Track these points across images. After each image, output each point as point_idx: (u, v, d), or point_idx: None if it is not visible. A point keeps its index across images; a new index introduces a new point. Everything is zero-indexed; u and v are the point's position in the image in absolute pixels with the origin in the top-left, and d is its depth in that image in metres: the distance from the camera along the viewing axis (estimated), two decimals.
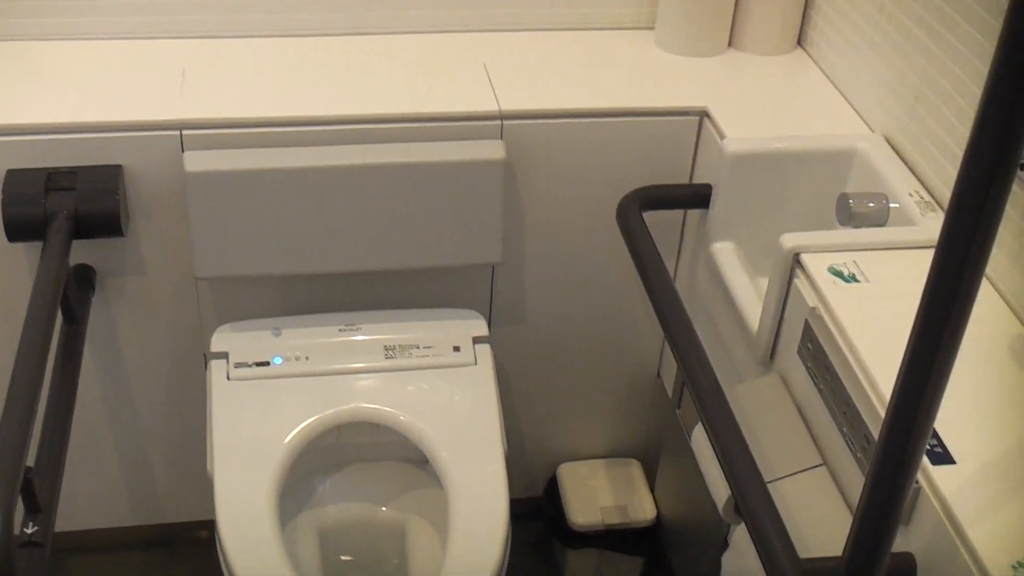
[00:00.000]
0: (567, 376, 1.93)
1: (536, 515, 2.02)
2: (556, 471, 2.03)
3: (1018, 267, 1.32)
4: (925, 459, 1.13)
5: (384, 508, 1.67)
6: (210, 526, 1.95)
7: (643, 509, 1.95)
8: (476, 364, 1.66)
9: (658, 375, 1.97)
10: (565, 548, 1.96)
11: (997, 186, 0.77)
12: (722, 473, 1.36)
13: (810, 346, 1.32)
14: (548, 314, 1.84)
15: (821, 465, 1.31)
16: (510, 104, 1.63)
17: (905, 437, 0.90)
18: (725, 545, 1.66)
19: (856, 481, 1.23)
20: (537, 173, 1.69)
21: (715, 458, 1.39)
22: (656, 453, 2.04)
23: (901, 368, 0.88)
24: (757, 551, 1.18)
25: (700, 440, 1.44)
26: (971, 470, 1.12)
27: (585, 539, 1.94)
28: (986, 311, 1.33)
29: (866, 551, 0.96)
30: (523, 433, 1.97)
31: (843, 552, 0.99)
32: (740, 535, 1.32)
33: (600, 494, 1.97)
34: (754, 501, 1.21)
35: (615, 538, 1.95)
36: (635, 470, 2.03)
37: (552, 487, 2.01)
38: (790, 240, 1.39)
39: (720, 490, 1.38)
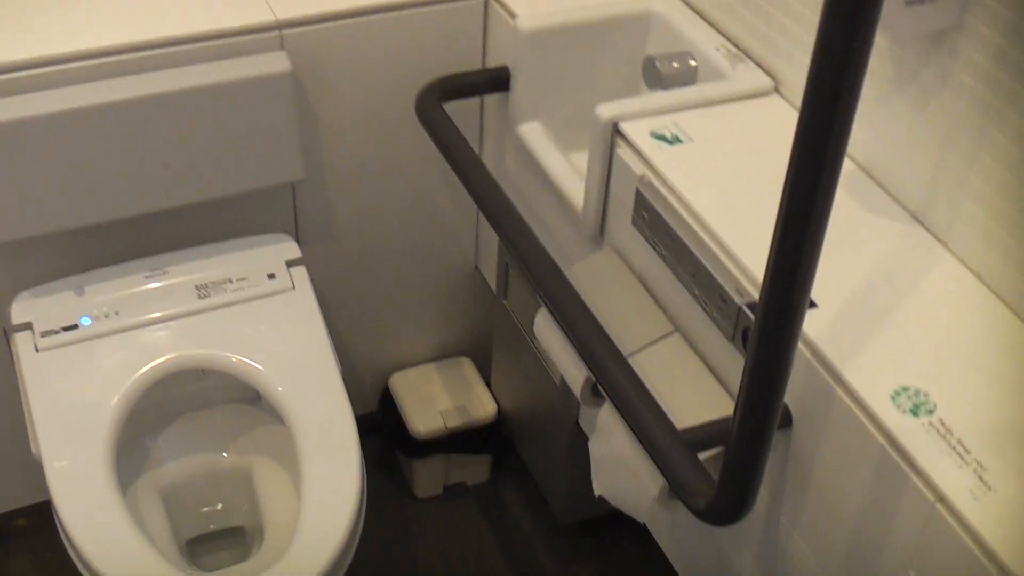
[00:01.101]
0: (386, 284, 1.87)
1: (374, 430, 1.97)
2: (388, 382, 1.97)
3: None
4: None
5: (224, 455, 1.59)
6: (27, 513, 1.82)
7: (483, 406, 1.92)
8: (294, 288, 1.57)
9: (476, 268, 1.93)
10: (411, 459, 1.92)
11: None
12: (575, 356, 1.34)
13: (645, 215, 1.30)
14: (357, 223, 1.77)
15: (673, 332, 1.30)
16: (287, 12, 1.53)
17: (787, 293, 0.88)
18: (576, 428, 1.65)
19: (715, 342, 1.23)
20: (327, 81, 1.60)
21: (564, 342, 1.36)
22: (486, 348, 2.01)
23: (777, 224, 0.86)
24: (630, 428, 1.16)
25: (544, 326, 1.41)
26: (833, 312, 1.12)
27: (430, 446, 1.90)
28: None
29: (758, 412, 0.95)
30: (349, 349, 1.91)
31: (734, 415, 0.98)
32: (604, 417, 1.30)
33: (437, 398, 1.93)
34: (616, 378, 1.19)
35: (459, 440, 1.92)
36: (467, 368, 2.00)
37: (387, 399, 1.96)
38: (607, 110, 1.36)
39: (575, 374, 1.35)
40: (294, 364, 1.50)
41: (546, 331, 1.41)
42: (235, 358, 1.50)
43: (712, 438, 1.15)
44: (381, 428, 1.98)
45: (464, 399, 1.93)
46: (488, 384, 1.98)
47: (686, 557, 1.42)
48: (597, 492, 1.32)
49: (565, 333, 1.32)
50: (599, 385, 1.28)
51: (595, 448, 1.32)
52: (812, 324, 1.10)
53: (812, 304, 1.13)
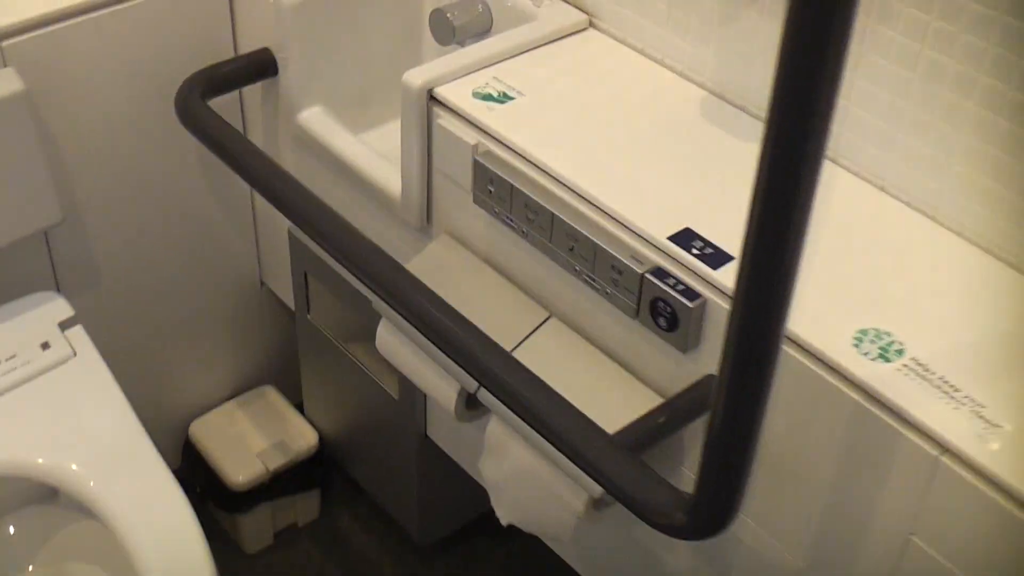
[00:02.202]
0: (166, 322, 1.61)
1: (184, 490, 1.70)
2: (188, 432, 1.71)
3: None
4: (702, 266, 0.97)
5: (31, 568, 1.30)
6: None
7: (302, 437, 1.69)
8: (75, 355, 1.30)
9: (262, 284, 1.69)
10: (233, 515, 1.67)
11: None
12: (437, 368, 1.14)
13: (491, 189, 1.11)
14: (124, 259, 1.50)
15: (549, 318, 1.12)
16: (1, 18, 1.24)
17: (771, 257, 0.71)
18: (425, 442, 1.45)
19: (609, 321, 1.06)
20: (68, 96, 1.32)
21: (418, 353, 1.16)
22: (290, 371, 1.77)
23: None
24: (548, 439, 0.97)
25: (389, 339, 1.21)
26: None
27: (253, 497, 1.65)
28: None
29: (746, 401, 0.78)
30: (137, 405, 1.63)
31: (713, 407, 0.81)
32: (495, 433, 1.11)
33: (248, 439, 1.68)
34: (511, 381, 1.01)
35: (284, 481, 1.68)
36: (273, 397, 1.76)
37: (190, 452, 1.70)
38: (416, 77, 1.16)
39: (442, 388, 1.15)
40: (99, 448, 1.23)
41: (392, 344, 1.20)
42: (24, 456, 1.22)
43: (647, 437, 0.98)
44: (191, 487, 1.71)
45: (279, 433, 1.69)
46: (301, 410, 1.74)
47: (604, 572, 1.25)
48: (505, 521, 1.13)
49: (423, 341, 1.12)
50: (483, 394, 1.09)
51: (489, 471, 1.13)
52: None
53: (728, 256, 0.97)
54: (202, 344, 1.68)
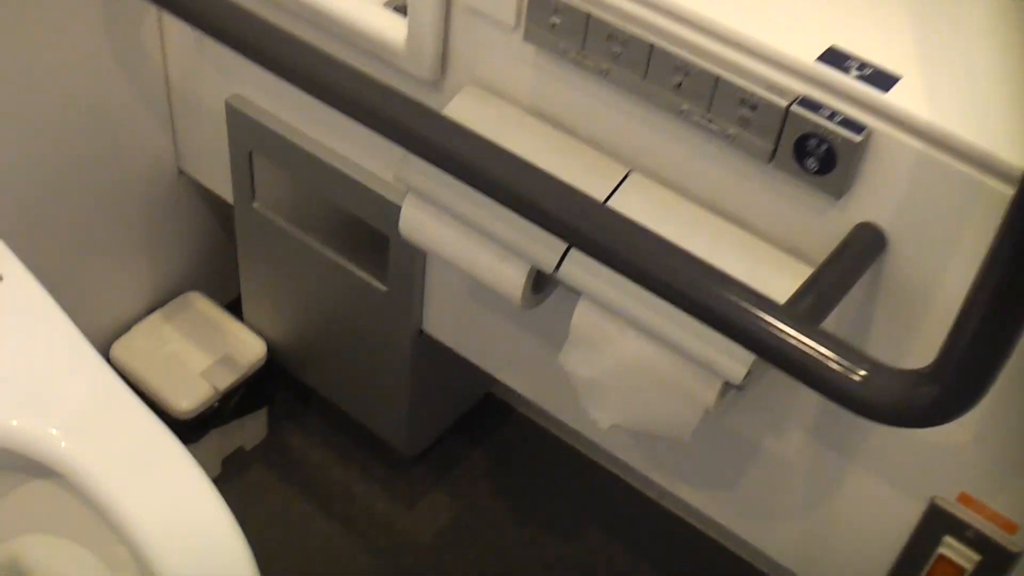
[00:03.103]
0: (65, 227, 1.33)
1: None
2: (110, 357, 1.44)
3: None
4: (867, 90, 0.78)
5: None
6: None
7: (249, 347, 1.45)
8: (1, 278, 1.03)
9: (180, 172, 1.42)
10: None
11: None
12: (496, 244, 0.93)
13: (556, 21, 0.89)
14: (7, 154, 1.21)
15: (630, 173, 0.92)
16: None
17: None
18: (421, 338, 1.24)
19: (718, 170, 0.87)
20: None
21: (470, 229, 0.95)
22: (218, 271, 1.52)
23: None
24: (689, 310, 0.78)
25: (421, 219, 0.98)
26: (922, 82, 0.79)
27: (203, 424, 1.41)
28: None
29: None
30: None
31: (990, 261, 0.63)
32: (585, 318, 0.91)
33: (187, 357, 1.43)
34: (633, 242, 0.79)
35: (235, 402, 1.44)
36: (202, 303, 1.50)
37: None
38: None
39: (504, 269, 0.94)
40: (53, 385, 0.98)
41: (425, 223, 0.98)
42: None
43: (819, 308, 0.80)
44: None
45: (221, 346, 1.44)
46: (238, 316, 1.49)
47: (697, 474, 1.08)
48: (606, 424, 0.94)
49: (474, 212, 0.91)
50: (570, 271, 0.88)
51: (581, 367, 0.93)
52: (900, 98, 0.77)
53: (892, 79, 0.79)
54: (112, 250, 1.41)
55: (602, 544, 1.49)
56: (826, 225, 0.84)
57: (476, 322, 1.17)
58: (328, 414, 1.57)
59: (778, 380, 0.94)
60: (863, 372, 0.71)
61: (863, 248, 0.82)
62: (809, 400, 0.93)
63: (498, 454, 1.56)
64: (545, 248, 0.91)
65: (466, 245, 0.96)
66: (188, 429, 1.40)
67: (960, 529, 0.89)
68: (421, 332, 1.25)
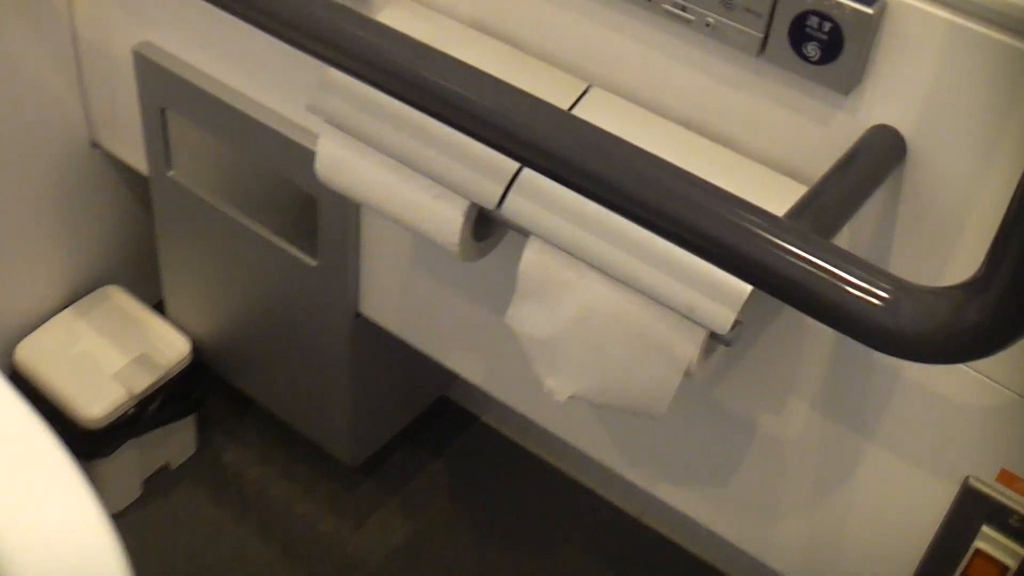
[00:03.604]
0: None
1: None
2: (13, 360, 1.27)
3: None
4: None
5: None
6: None
7: (170, 346, 1.28)
8: None
9: (93, 145, 1.25)
10: (92, 463, 1.24)
11: None
12: (428, 180, 0.77)
13: None
14: None
15: (589, 88, 0.76)
16: None
17: None
18: (360, 323, 1.07)
19: (695, 74, 0.70)
20: None
21: (398, 164, 0.78)
22: (142, 261, 1.35)
23: None
24: (672, 237, 0.61)
25: (342, 156, 0.82)
26: None
27: (116, 433, 1.23)
28: None
29: None
30: None
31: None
32: (536, 262, 0.74)
33: (99, 357, 1.26)
34: (599, 155, 0.63)
35: (154, 408, 1.26)
36: (122, 298, 1.33)
37: (20, 385, 1.25)
38: None
39: (439, 208, 0.78)
40: None
41: (347, 161, 0.81)
42: None
43: (828, 223, 0.63)
44: None
45: (139, 345, 1.27)
46: (161, 312, 1.32)
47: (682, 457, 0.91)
48: (564, 394, 0.76)
49: (403, 143, 0.74)
50: (516, 203, 0.72)
51: (532, 325, 0.76)
52: None
53: None
54: (18, 237, 1.23)
55: (575, 563, 1.31)
56: (831, 133, 0.68)
57: (417, 297, 1.01)
58: (266, 424, 1.39)
59: (774, 335, 0.77)
60: (886, 294, 0.55)
61: (878, 155, 0.66)
62: (813, 363, 0.77)
63: (458, 466, 1.39)
64: (485, 178, 0.74)
65: (393, 183, 0.79)
66: (100, 440, 1.22)
67: (1001, 515, 0.72)
68: (358, 315, 1.08)
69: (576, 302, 0.73)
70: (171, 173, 1.15)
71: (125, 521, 1.32)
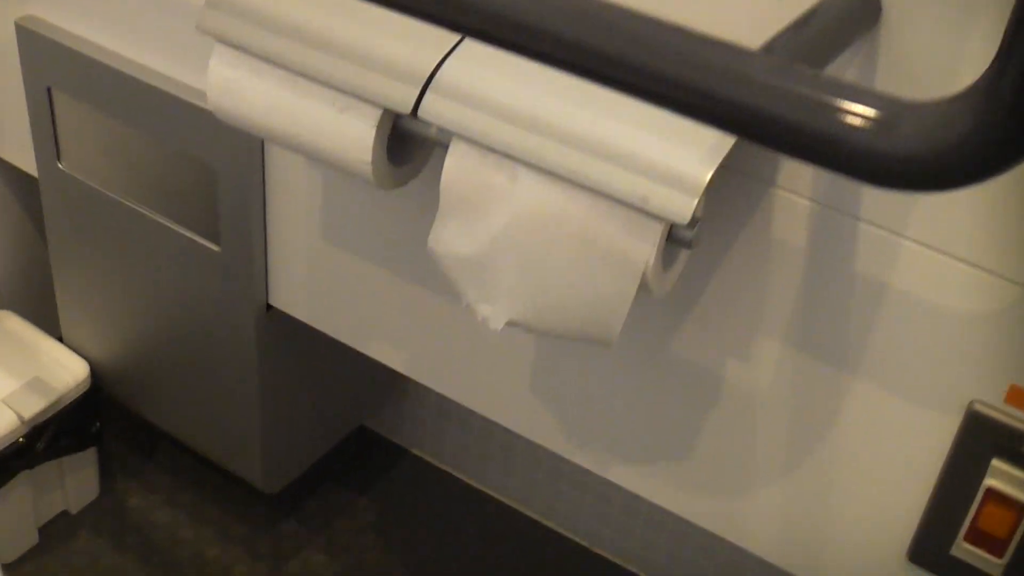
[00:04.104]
0: None
1: None
2: None
3: None
4: None
5: None
6: None
7: (66, 369, 1.15)
8: None
9: None
10: None
11: None
12: (334, 91, 0.67)
13: None
14: None
15: None
16: None
17: None
18: (268, 323, 0.96)
19: None
20: None
21: (299, 77, 0.68)
22: (36, 283, 1.22)
23: None
24: (648, 91, 0.51)
25: (233, 78, 0.71)
26: None
27: (8, 464, 1.10)
28: None
29: None
30: None
31: None
32: (462, 166, 0.64)
33: None
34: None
35: (47, 437, 1.13)
36: (14, 323, 1.20)
37: None
38: None
39: (346, 123, 0.67)
40: None
41: (248, 80, 0.71)
42: None
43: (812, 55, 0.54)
44: None
45: (31, 368, 1.14)
46: (61, 338, 1.20)
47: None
48: (501, 320, 0.65)
49: (308, 44, 0.64)
50: (436, 104, 0.62)
51: (460, 242, 0.65)
52: None
53: None
54: None
55: None
56: None
57: (331, 279, 0.89)
58: (174, 464, 1.26)
59: (734, 264, 0.67)
60: (879, 112, 0.45)
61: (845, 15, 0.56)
62: (781, 293, 0.67)
63: (387, 502, 1.26)
64: (398, 81, 0.64)
65: (294, 101, 0.68)
66: None
67: (1013, 443, 0.62)
68: (269, 308, 0.97)
69: (509, 210, 0.62)
70: (61, 164, 1.03)
71: (20, 571, 1.17)
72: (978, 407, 0.62)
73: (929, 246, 0.61)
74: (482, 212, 0.63)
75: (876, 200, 0.62)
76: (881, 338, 0.64)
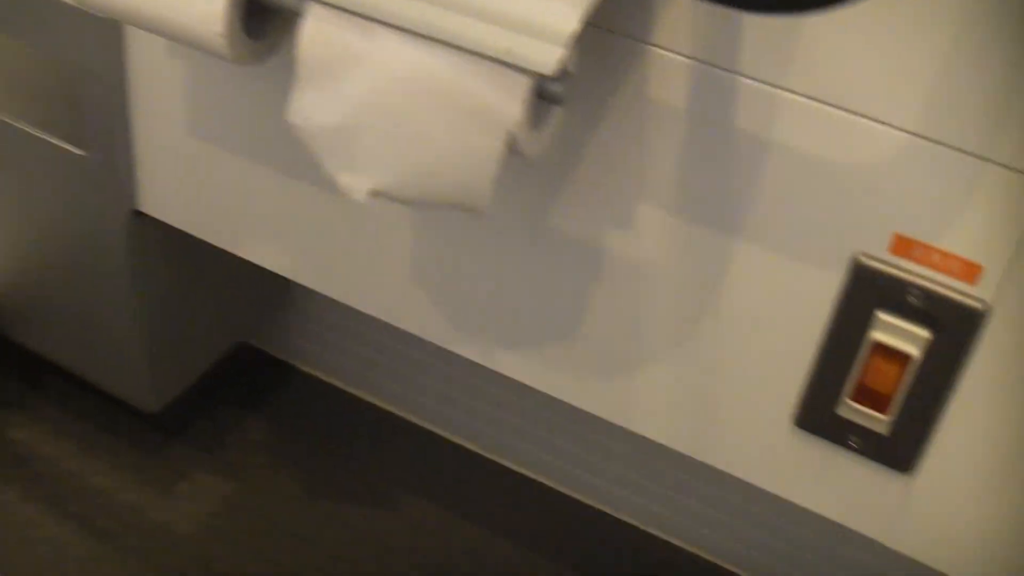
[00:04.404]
0: None
1: None
2: None
3: None
4: None
5: None
6: None
7: None
8: None
9: None
10: None
11: None
12: None
13: None
14: None
15: None
16: None
17: None
18: (139, 219, 0.92)
19: None
20: None
21: None
22: None
23: None
24: None
25: None
26: None
27: None
28: None
29: None
30: None
31: None
32: (320, 31, 0.60)
33: None
34: None
35: None
36: None
37: None
38: None
39: None
40: None
41: None
42: None
43: None
44: None
45: None
46: None
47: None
48: (365, 188, 0.62)
49: None
50: None
51: (322, 111, 0.61)
52: None
53: None
54: None
55: (418, 509, 1.16)
56: None
57: (200, 178, 0.85)
58: (60, 395, 1.21)
59: (611, 129, 0.65)
60: None
61: None
62: (662, 154, 0.64)
63: (277, 420, 1.23)
64: None
65: None
66: None
67: (896, 294, 0.60)
68: (138, 214, 0.92)
69: (370, 74, 0.59)
70: None
71: None
72: (862, 259, 0.60)
73: (809, 96, 0.59)
74: (342, 78, 0.60)
75: (754, 53, 0.60)
76: (764, 196, 0.62)
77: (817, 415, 0.65)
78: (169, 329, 1.06)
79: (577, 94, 0.65)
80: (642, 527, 1.15)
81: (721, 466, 0.72)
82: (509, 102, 0.56)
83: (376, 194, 0.61)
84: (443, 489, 1.18)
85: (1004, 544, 0.65)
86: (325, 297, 0.85)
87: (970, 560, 0.66)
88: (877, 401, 0.62)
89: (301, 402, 1.25)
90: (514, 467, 1.20)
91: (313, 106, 0.61)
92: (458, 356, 0.81)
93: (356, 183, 0.61)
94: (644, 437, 0.75)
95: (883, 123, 0.58)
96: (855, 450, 0.65)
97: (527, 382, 0.78)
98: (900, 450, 0.64)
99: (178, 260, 0.99)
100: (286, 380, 1.27)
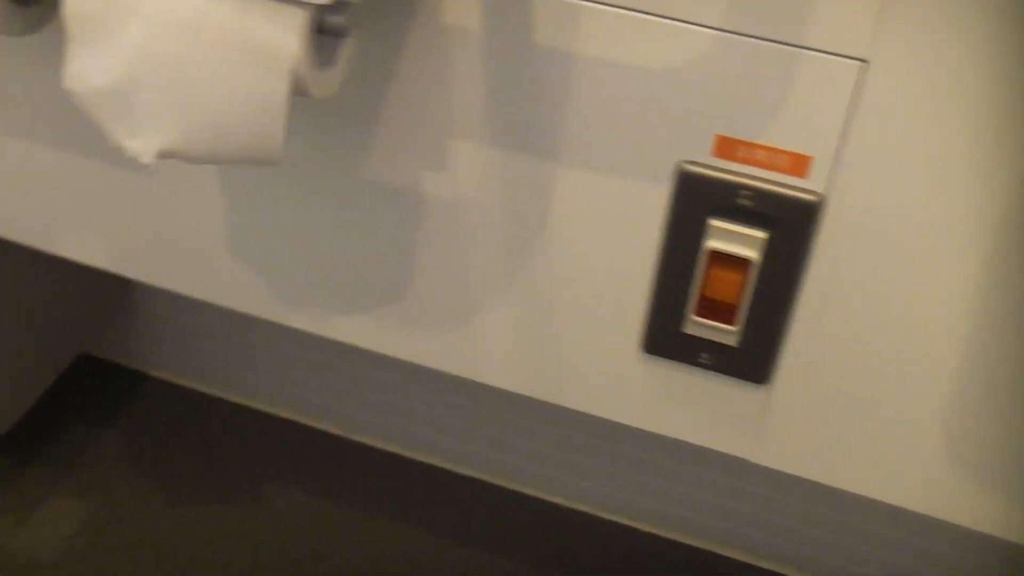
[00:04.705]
0: None
1: None
2: None
3: None
4: None
5: None
6: None
7: None
8: None
9: None
10: None
11: None
12: None
13: None
14: None
15: None
16: None
17: None
18: None
19: None
20: None
21: None
22: None
23: None
24: None
25: None
26: None
27: None
28: None
29: None
30: None
31: None
32: None
33: None
34: None
35: None
36: None
37: None
38: None
39: None
40: None
41: None
42: None
43: None
44: None
45: None
46: None
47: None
48: (152, 151, 0.56)
49: None
50: None
51: (98, 72, 0.56)
52: None
53: None
54: None
55: (291, 506, 1.11)
56: None
57: (3, 174, 0.79)
58: None
59: (410, 69, 0.61)
60: None
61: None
62: (466, 88, 0.61)
63: (134, 431, 1.17)
64: None
65: None
66: None
67: (727, 198, 0.58)
68: None
69: (142, 23, 0.54)
70: None
71: None
72: (686, 167, 0.57)
73: (610, 4, 0.56)
74: (113, 32, 0.55)
75: None
76: (578, 114, 0.59)
77: (664, 337, 0.62)
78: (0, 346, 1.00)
79: (368, 27, 0.60)
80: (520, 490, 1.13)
81: (576, 406, 0.69)
82: (287, 38, 0.52)
83: (165, 154, 0.56)
84: (311, 478, 1.13)
85: (867, 444, 0.63)
86: (164, 295, 0.80)
87: (837, 466, 0.64)
88: (722, 313, 0.60)
89: (155, 408, 1.19)
90: (383, 446, 1.16)
91: (87, 68, 0.56)
92: (308, 335, 0.76)
93: (143, 146, 0.56)
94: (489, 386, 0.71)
95: (688, 22, 0.55)
96: (708, 367, 0.62)
97: (365, 346, 0.73)
98: (753, 360, 0.61)
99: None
100: (136, 387, 1.20)
